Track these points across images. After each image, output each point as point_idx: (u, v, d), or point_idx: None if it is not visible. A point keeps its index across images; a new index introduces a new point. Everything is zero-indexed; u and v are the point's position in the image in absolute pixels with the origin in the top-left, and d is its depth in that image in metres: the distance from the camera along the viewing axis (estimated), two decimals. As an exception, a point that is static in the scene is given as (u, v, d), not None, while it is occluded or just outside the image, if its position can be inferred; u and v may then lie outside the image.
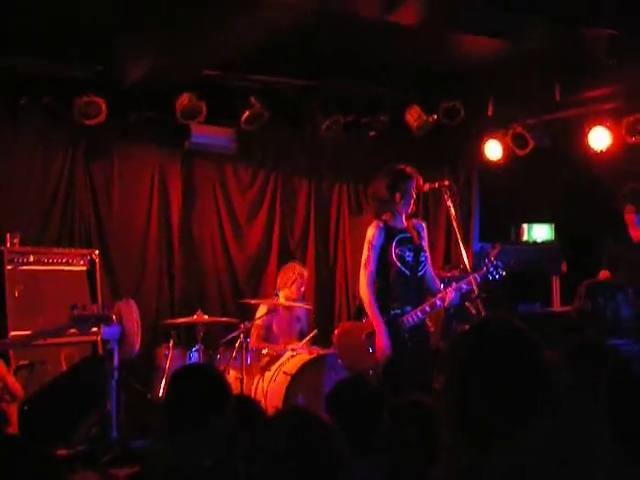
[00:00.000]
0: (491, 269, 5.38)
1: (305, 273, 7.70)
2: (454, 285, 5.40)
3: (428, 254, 5.72)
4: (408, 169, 5.62)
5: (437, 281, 5.71)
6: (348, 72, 7.84)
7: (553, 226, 8.68)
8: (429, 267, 5.70)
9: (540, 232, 8.64)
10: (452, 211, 5.74)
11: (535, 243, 8.62)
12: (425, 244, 5.69)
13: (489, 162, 8.54)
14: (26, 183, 7.57)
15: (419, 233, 5.67)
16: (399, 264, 5.46)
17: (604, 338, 3.69)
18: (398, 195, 5.54)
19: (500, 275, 5.40)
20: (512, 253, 7.81)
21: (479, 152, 8.58)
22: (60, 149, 7.74)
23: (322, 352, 6.83)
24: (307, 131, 8.56)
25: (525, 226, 8.61)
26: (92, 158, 7.89)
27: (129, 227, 8.07)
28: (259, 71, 7.81)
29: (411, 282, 5.50)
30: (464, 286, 5.38)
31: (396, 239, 5.52)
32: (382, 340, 5.31)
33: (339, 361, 6.50)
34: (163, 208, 8.20)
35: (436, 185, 5.73)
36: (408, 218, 5.68)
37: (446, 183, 5.78)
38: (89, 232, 7.81)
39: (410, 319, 5.36)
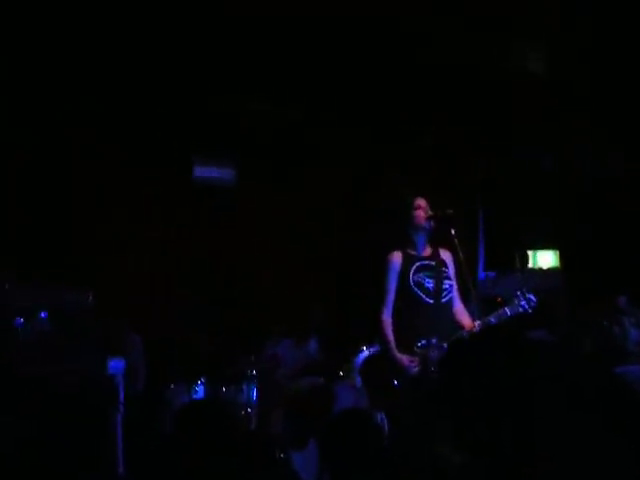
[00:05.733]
0: (522, 302, 5.12)
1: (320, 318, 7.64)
2: (483, 319, 5.08)
3: (454, 283, 5.40)
4: (409, 196, 5.56)
5: (466, 315, 5.32)
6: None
7: (558, 253, 8.64)
8: (457, 300, 5.41)
9: (545, 259, 8.60)
10: (456, 240, 5.62)
11: (541, 270, 8.57)
12: (451, 273, 5.43)
13: (493, 189, 8.53)
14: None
15: (444, 262, 5.51)
16: (418, 291, 5.23)
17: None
18: (405, 222, 5.47)
19: (532, 307, 5.13)
20: (518, 281, 7.79)
21: (483, 180, 8.57)
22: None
23: (327, 383, 6.79)
24: (308, 163, 8.57)
25: (530, 253, 8.57)
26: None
27: (133, 260, 8.07)
28: (260, 103, 7.84)
29: (435, 311, 5.20)
30: (492, 320, 5.08)
31: (415, 266, 5.35)
32: (399, 362, 5.07)
33: (345, 392, 6.47)
34: (166, 241, 8.21)
35: (439, 214, 5.64)
36: (434, 247, 5.56)
37: (449, 212, 5.69)
38: (92, 265, 7.81)
39: (437, 351, 4.99)
